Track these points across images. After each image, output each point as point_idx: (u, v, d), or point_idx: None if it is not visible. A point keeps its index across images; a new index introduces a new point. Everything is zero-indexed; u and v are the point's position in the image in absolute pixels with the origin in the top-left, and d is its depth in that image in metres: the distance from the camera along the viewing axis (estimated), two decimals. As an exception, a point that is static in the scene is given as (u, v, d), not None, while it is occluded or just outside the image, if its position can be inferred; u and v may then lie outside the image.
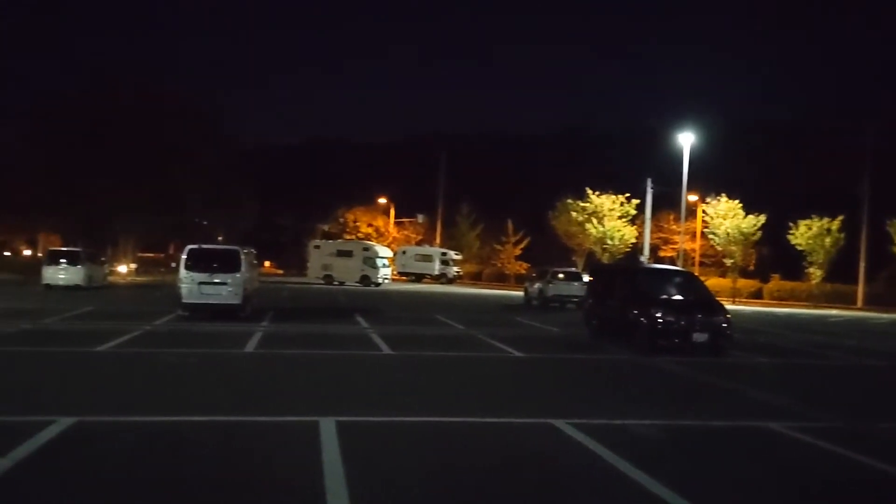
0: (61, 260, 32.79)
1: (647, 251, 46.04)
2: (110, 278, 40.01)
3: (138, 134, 47.20)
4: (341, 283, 49.26)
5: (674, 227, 57.00)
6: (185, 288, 19.25)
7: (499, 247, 66.77)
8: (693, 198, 51.18)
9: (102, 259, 38.82)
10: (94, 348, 13.25)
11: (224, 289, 19.30)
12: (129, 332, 15.82)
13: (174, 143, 48.44)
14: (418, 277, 60.50)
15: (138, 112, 47.84)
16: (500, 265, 67.56)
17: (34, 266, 43.77)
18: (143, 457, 6.42)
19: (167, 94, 50.46)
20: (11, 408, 8.07)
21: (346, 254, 51.04)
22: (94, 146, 47.02)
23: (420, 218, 77.20)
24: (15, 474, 5.69)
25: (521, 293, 37.04)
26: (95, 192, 46.36)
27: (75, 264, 32.54)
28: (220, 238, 55.42)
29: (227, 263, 19.54)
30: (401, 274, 60.90)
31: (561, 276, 32.53)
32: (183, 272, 19.36)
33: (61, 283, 31.97)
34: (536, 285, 32.98)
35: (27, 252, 72.26)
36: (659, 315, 15.34)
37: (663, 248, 59.59)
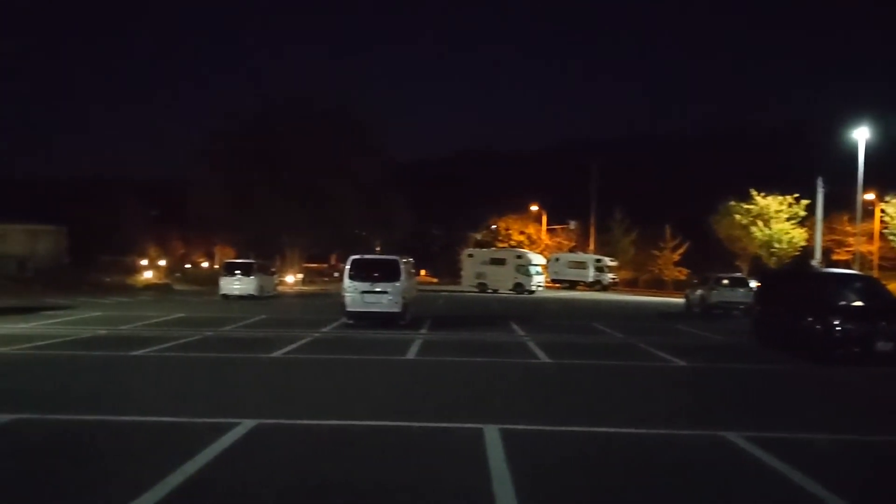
0: (236, 271, 35.10)
1: (818, 254, 43.10)
2: (279, 288, 42.34)
3: (307, 153, 50.12)
4: (495, 291, 49.56)
5: (848, 228, 53.02)
6: (348, 297, 20.05)
7: (656, 252, 64.81)
8: (870, 196, 47.42)
9: (272, 270, 41.23)
10: (270, 354, 14.08)
11: (385, 297, 19.94)
12: (299, 339, 16.69)
13: (338, 159, 51.01)
14: (572, 284, 59.80)
15: (307, 132, 50.75)
16: (657, 271, 65.54)
17: (212, 277, 47.21)
18: (317, 459, 6.72)
19: (334, 112, 53.06)
20: (199, 410, 8.71)
21: (500, 262, 51.29)
22: (267, 165, 50.35)
23: (572, 224, 76.34)
24: (206, 474, 6.13)
25: (680, 300, 35.75)
26: (268, 209, 49.58)
27: (249, 275, 34.74)
28: (377, 248, 57.36)
29: (388, 273, 20.17)
30: (554, 281, 60.44)
31: (725, 281, 31.10)
32: (347, 282, 20.18)
33: (236, 292, 34.24)
34: (698, 292, 31.73)
35: (205, 264, 77.90)
36: (837, 322, 14.34)
37: (837, 251, 55.56)
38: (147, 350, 14.36)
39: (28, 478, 5.98)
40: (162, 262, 66.11)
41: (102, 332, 17.91)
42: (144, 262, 62.41)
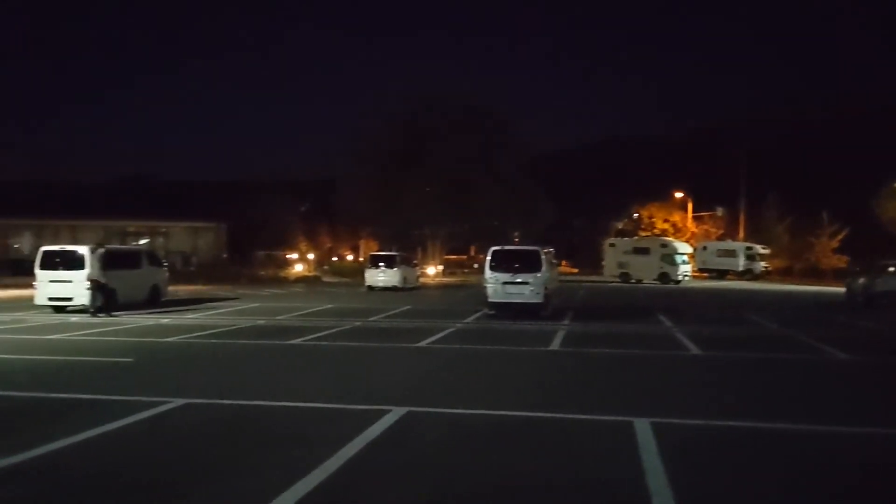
0: (380, 264, 36.16)
1: None
2: (421, 280, 43.23)
3: (448, 147, 51.02)
4: (638, 281, 48.36)
5: None
6: (490, 287, 20.19)
7: (812, 239, 60.97)
8: None
9: (415, 262, 42.16)
10: (416, 343, 14.42)
11: (526, 288, 19.92)
12: (443, 329, 16.99)
13: (479, 152, 51.58)
14: (721, 274, 57.32)
15: (448, 127, 51.66)
16: (813, 259, 61.63)
17: (357, 270, 48.87)
18: (468, 448, 6.80)
19: (474, 106, 53.70)
20: (351, 397, 9.03)
21: (643, 251, 49.99)
22: (411, 161, 51.70)
23: (720, 211, 73.08)
24: (361, 459, 6.35)
25: (840, 290, 33.47)
26: (411, 203, 50.88)
27: (392, 267, 35.72)
28: (516, 239, 57.36)
29: (529, 263, 20.13)
30: (701, 270, 58.17)
31: (892, 269, 28.82)
32: (488, 273, 20.31)
33: (381, 284, 35.28)
34: (861, 280, 29.57)
35: (350, 257, 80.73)
36: None
37: None
38: (302, 339, 15.07)
39: (195, 459, 6.42)
40: (311, 256, 69.07)
41: (261, 321, 18.97)
42: (294, 255, 65.44)
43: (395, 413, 7.91)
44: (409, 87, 59.20)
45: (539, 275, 19.98)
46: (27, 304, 22.78)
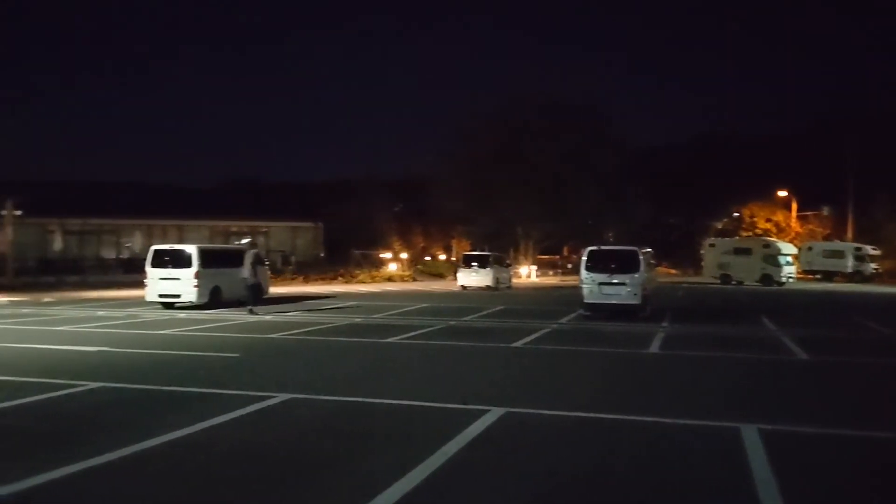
0: (473, 263, 36.30)
1: None
2: (514, 280, 43.11)
3: (544, 147, 50.78)
4: (739, 283, 46.78)
5: None
6: (586, 288, 19.94)
7: (930, 239, 57.48)
8: None
9: (508, 262, 42.09)
10: (511, 344, 14.39)
11: (623, 289, 19.57)
12: (538, 329, 16.89)
13: (575, 151, 51.11)
14: (828, 276, 54.75)
15: (543, 125, 51.42)
16: (931, 260, 58.06)
17: (450, 269, 49.20)
18: (569, 451, 6.73)
19: (571, 105, 53.26)
20: (449, 396, 9.08)
21: (745, 251, 48.31)
22: (505, 160, 51.68)
23: (826, 210, 69.85)
24: (463, 457, 6.38)
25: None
26: (505, 203, 50.88)
27: (485, 267, 35.78)
28: (610, 239, 56.43)
29: (626, 264, 19.78)
30: (806, 272, 55.72)
31: None
32: (584, 273, 20.07)
33: (474, 284, 35.40)
34: None
35: (442, 256, 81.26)
36: None
37: None
38: (398, 337, 15.28)
39: (301, 453, 6.60)
40: (404, 255, 69.95)
41: (358, 320, 19.35)
42: (388, 254, 66.41)
43: (493, 413, 7.92)
44: (502, 85, 59.10)
45: (637, 275, 19.60)
46: (139, 300, 23.98)
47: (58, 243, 49.61)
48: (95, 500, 5.31)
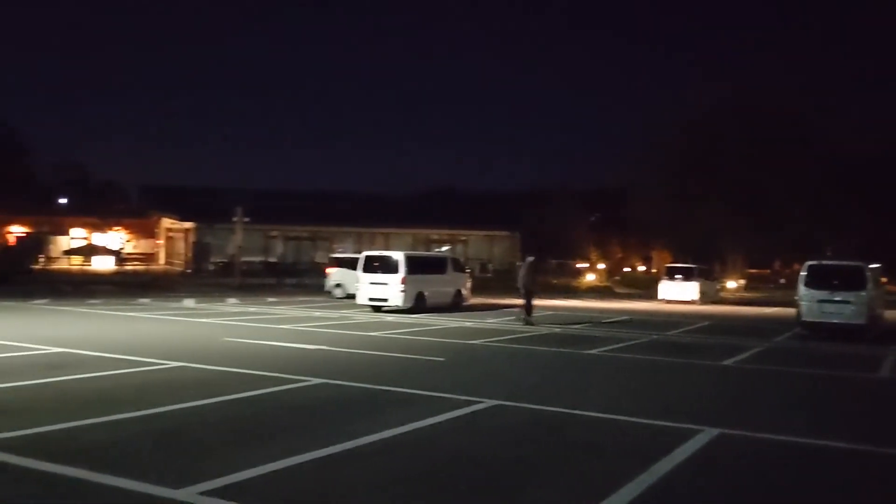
0: (676, 276, 35.02)
1: None
2: (721, 294, 41.06)
3: (748, 155, 48.05)
4: None
5: None
6: (804, 305, 18.60)
7: None
8: None
9: (713, 275, 40.18)
10: (720, 362, 13.74)
11: (847, 308, 18.05)
12: (748, 348, 16.00)
13: (782, 160, 47.93)
14: None
15: (748, 134, 48.68)
16: None
17: (650, 281, 47.77)
18: (790, 480, 6.34)
19: (774, 112, 50.07)
20: (655, 412, 8.80)
21: None
22: (708, 170, 49.48)
23: None
24: (675, 478, 6.18)
25: None
26: (708, 214, 48.65)
27: (690, 280, 34.39)
28: (828, 253, 52.11)
29: (851, 281, 18.23)
30: None
31: None
32: (802, 289, 18.74)
33: (676, 297, 34.13)
34: None
35: (641, 268, 79.05)
36: None
37: None
38: (600, 349, 15.09)
39: (507, 459, 6.68)
40: (601, 266, 68.85)
41: (557, 329, 19.34)
42: (585, 265, 65.67)
43: (706, 433, 7.60)
44: (704, 92, 56.30)
45: (863, 293, 18.00)
46: (349, 303, 25.50)
47: (279, 248, 53.89)
48: (325, 490, 5.70)
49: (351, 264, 27.65)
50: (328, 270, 32.15)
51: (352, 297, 26.01)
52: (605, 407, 9.01)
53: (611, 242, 79.56)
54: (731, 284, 50.66)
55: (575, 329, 19.70)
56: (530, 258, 22.34)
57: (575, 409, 8.84)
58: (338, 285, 30.35)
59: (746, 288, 54.65)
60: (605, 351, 14.94)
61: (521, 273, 21.34)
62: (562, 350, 14.96)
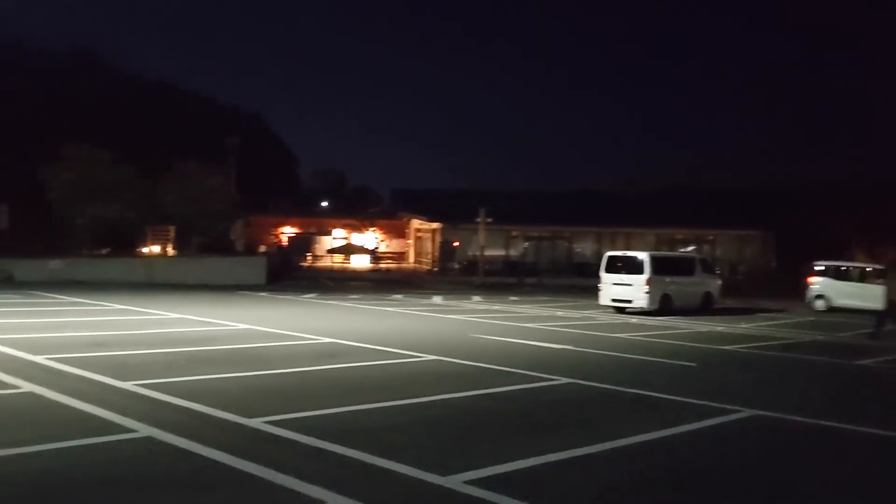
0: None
1: None
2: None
3: None
4: None
5: None
6: None
7: None
8: None
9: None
10: None
11: None
12: None
13: None
14: None
15: None
16: None
17: None
18: None
19: None
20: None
21: None
22: None
23: None
24: None
25: None
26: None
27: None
28: None
29: None
30: None
31: None
32: None
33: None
34: None
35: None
36: None
37: None
38: (873, 360, 13.82)
39: (759, 476, 6.39)
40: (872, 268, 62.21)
41: (820, 337, 17.93)
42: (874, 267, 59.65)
43: None
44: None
45: None
46: (591, 303, 25.41)
47: (518, 248, 54.94)
48: (586, 490, 5.85)
49: (835, 273, 26.61)
50: (809, 280, 28.20)
51: (836, 310, 25.03)
52: (879, 425, 8.27)
53: (883, 242, 71.75)
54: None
55: (841, 336, 18.14)
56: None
57: (844, 423, 8.21)
58: (819, 296, 27.22)
59: None
60: (880, 362, 13.64)
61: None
62: (826, 359, 13.90)
